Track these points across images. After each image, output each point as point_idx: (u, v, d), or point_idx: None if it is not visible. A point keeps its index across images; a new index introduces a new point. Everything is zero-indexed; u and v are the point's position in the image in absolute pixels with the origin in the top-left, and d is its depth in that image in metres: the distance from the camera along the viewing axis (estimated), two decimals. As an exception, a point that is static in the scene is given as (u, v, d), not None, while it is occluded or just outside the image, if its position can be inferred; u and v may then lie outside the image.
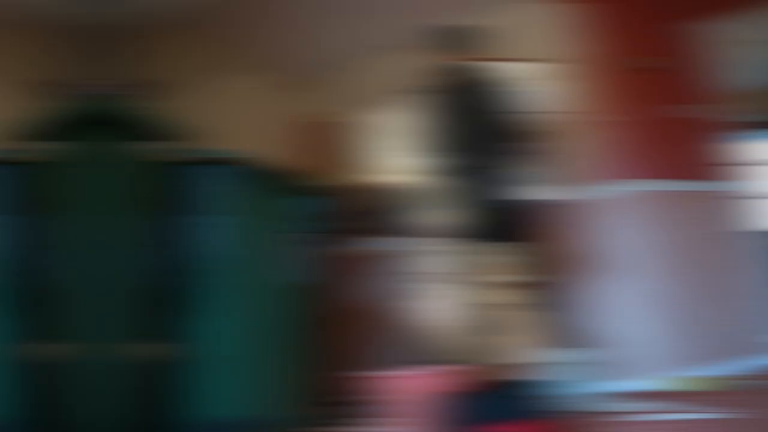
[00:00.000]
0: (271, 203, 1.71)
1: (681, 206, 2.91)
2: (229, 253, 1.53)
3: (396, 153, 3.76)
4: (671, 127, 3.03)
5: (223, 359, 1.47)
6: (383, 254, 3.25)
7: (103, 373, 1.21)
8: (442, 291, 3.13)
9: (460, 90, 2.58)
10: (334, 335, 3.19)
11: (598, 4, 3.08)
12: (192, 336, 1.51)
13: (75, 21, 2.34)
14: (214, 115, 3.10)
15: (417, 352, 2.92)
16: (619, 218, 2.76)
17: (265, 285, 1.63)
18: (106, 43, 2.50)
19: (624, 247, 2.72)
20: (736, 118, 4.76)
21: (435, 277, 3.36)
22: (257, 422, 1.47)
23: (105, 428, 1.14)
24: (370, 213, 3.31)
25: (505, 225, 2.20)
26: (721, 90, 3.22)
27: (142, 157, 1.33)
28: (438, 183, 3.15)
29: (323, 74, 3.85)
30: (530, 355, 3.65)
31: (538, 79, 3.11)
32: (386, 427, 1.89)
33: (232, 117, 3.23)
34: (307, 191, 1.82)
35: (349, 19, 3.34)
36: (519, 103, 2.51)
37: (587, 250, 2.78)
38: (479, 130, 2.53)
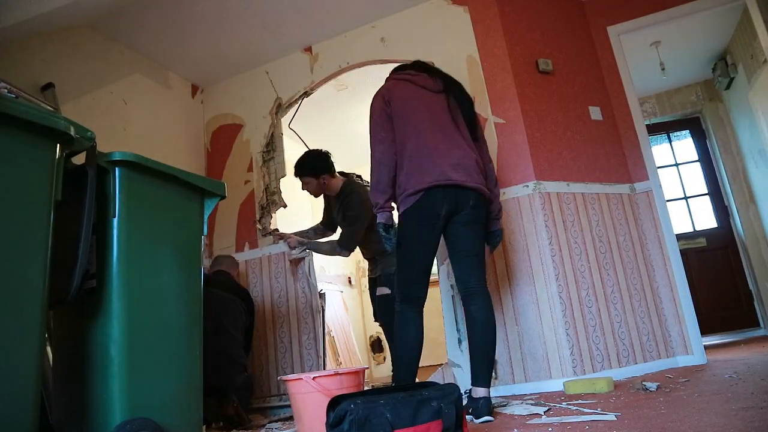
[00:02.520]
0: (171, 207, 1.70)
1: (591, 208, 2.93)
2: (127, 255, 1.52)
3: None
4: (582, 129, 3.06)
5: (125, 360, 1.47)
6: (291, 258, 3.30)
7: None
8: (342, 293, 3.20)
9: None
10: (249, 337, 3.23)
11: (505, 6, 3.11)
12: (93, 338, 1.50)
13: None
14: (114, 119, 3.13)
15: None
16: (526, 219, 2.77)
17: (165, 287, 1.62)
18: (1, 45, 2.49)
19: (531, 249, 2.73)
20: (648, 120, 4.85)
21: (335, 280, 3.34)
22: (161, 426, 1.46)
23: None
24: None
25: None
26: (632, 92, 3.26)
27: (40, 160, 1.32)
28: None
29: (225, 77, 3.88)
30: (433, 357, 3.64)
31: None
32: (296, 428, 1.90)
33: (135, 120, 3.27)
34: (209, 194, 1.81)
35: (251, 24, 3.34)
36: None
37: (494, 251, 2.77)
38: None
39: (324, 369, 3.12)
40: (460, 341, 2.77)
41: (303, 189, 3.19)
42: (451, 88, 2.27)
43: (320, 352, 3.15)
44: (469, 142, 2.21)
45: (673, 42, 4.17)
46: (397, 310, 2.10)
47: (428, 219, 2.07)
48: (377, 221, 2.13)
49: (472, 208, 2.11)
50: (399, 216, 2.14)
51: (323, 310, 3.26)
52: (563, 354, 2.56)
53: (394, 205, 2.17)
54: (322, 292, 3.30)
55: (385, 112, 2.18)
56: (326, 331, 3.45)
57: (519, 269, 2.73)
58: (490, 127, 2.96)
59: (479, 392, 1.98)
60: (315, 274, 3.30)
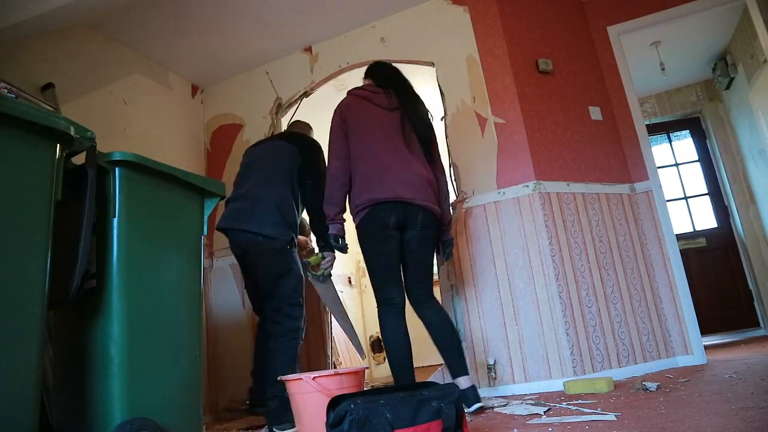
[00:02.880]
0: (171, 207, 1.70)
1: (591, 208, 2.93)
2: (127, 255, 1.52)
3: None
4: (582, 129, 3.06)
5: (125, 360, 1.47)
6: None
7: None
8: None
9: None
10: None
11: (505, 6, 3.11)
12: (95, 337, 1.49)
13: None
14: (114, 119, 3.13)
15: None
16: (526, 219, 2.76)
17: (165, 287, 1.62)
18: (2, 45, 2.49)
19: (531, 249, 2.73)
20: (648, 120, 4.84)
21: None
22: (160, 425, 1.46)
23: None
24: None
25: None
26: (632, 92, 3.26)
27: (40, 160, 1.32)
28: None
29: (225, 77, 3.88)
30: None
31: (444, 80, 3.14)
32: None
33: (135, 120, 3.27)
34: (209, 194, 1.82)
35: (251, 24, 3.33)
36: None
37: (492, 252, 2.79)
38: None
39: (334, 368, 3.12)
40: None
41: None
42: (406, 106, 2.34)
43: (328, 351, 3.14)
44: (422, 159, 2.29)
45: (673, 42, 4.17)
46: (378, 314, 2.21)
47: (378, 229, 2.17)
48: (329, 232, 2.27)
49: (421, 228, 2.21)
50: (356, 229, 2.24)
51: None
52: (563, 354, 2.56)
53: (346, 217, 2.30)
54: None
55: (341, 128, 2.32)
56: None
57: (519, 269, 2.73)
58: (490, 127, 2.96)
59: (462, 382, 2.08)
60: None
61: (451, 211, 2.67)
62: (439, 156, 2.41)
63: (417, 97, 2.42)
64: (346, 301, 5.06)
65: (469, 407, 2.01)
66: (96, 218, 1.48)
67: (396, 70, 2.49)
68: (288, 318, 2.39)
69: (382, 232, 2.18)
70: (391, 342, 2.13)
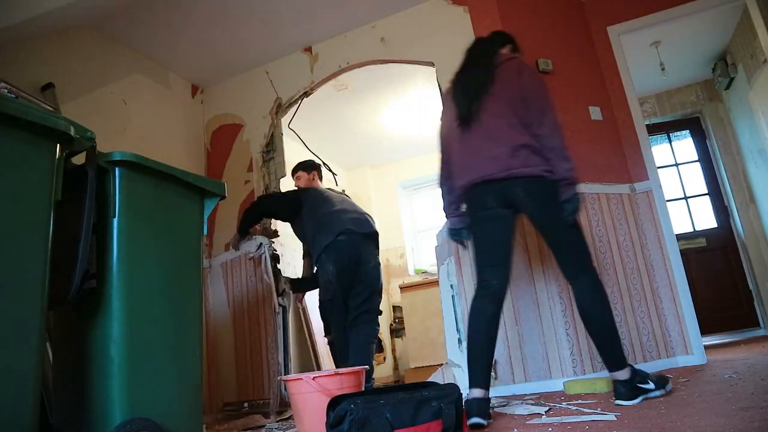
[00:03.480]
0: (171, 207, 1.70)
1: (591, 208, 2.92)
2: (127, 255, 1.52)
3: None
4: (582, 129, 3.04)
5: (123, 360, 1.47)
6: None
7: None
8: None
9: None
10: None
11: (505, 6, 3.10)
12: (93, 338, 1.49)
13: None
14: (114, 119, 3.13)
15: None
16: (524, 219, 2.74)
17: (164, 287, 1.63)
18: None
19: (531, 249, 2.72)
20: (648, 120, 4.84)
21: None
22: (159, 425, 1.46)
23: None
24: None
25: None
26: (632, 92, 3.25)
27: (41, 160, 1.32)
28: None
29: (225, 77, 3.88)
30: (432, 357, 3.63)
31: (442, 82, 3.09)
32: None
33: (135, 120, 3.27)
34: (209, 194, 1.82)
35: (251, 24, 3.34)
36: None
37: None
38: None
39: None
40: (460, 341, 2.77)
41: (296, 186, 3.37)
42: (473, 76, 2.17)
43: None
44: (507, 124, 2.05)
45: (673, 42, 4.17)
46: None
47: (477, 208, 2.09)
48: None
49: (531, 199, 2.01)
50: None
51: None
52: (563, 354, 2.56)
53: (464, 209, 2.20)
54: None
55: (441, 129, 2.29)
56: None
57: (519, 269, 2.73)
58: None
59: (618, 375, 1.88)
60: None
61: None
62: (540, 108, 2.10)
63: (488, 53, 2.22)
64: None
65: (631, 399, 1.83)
66: (96, 218, 1.48)
67: (474, 43, 2.33)
68: (378, 325, 2.93)
69: (482, 212, 2.07)
70: (469, 328, 1.98)
